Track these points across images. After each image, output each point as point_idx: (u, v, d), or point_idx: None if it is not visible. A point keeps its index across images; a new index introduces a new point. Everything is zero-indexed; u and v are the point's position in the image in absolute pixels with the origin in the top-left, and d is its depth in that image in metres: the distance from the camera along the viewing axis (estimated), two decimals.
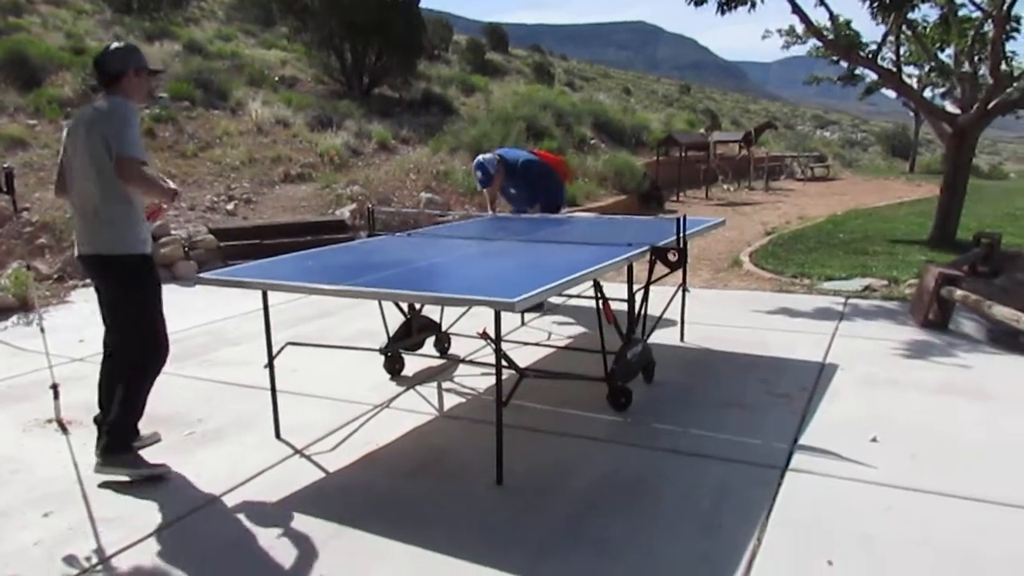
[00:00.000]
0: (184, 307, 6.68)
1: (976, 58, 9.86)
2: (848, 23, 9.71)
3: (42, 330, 4.25)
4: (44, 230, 7.97)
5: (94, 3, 22.26)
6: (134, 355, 3.38)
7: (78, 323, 6.15)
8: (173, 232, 8.32)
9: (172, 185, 3.43)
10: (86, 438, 3.86)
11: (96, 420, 3.54)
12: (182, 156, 11.00)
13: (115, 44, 3.50)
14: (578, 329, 5.89)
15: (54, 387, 4.04)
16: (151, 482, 3.32)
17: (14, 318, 6.22)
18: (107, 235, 3.30)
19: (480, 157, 6.32)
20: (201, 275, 3.90)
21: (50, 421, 4.05)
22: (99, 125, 3.23)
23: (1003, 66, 9.33)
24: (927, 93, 17.25)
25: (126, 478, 3.32)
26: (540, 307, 6.28)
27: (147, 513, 3.07)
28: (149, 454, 3.64)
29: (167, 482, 3.35)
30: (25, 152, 9.86)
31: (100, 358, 5.19)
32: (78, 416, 4.11)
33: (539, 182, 6.29)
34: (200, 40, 17.92)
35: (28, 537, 2.92)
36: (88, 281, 7.42)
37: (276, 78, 16.61)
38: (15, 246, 7.44)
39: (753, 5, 8.19)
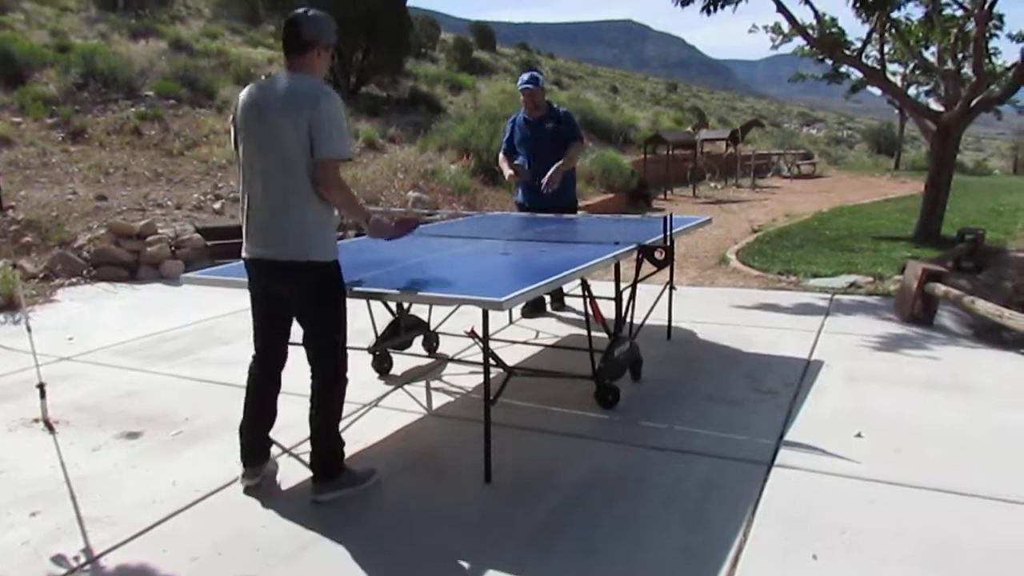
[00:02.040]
0: (171, 306, 6.67)
1: (959, 56, 9.95)
2: (834, 21, 9.78)
3: (29, 329, 4.23)
4: (30, 228, 7.93)
5: (79, 0, 22.11)
6: (338, 367, 3.16)
7: (64, 322, 6.13)
8: (160, 231, 8.28)
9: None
10: (73, 437, 3.86)
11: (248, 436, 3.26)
12: (168, 154, 10.95)
13: (314, 10, 3.09)
14: (566, 327, 5.91)
15: (40, 386, 4.02)
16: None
17: (0, 317, 6.19)
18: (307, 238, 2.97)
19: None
20: (188, 274, 3.89)
21: (37, 420, 4.03)
22: (302, 109, 2.85)
23: (986, 63, 9.42)
24: (911, 91, 17.41)
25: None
26: (542, 308, 6.30)
27: (135, 513, 3.07)
28: (134, 454, 3.65)
29: (155, 481, 3.35)
30: (10, 150, 9.79)
31: (87, 356, 5.20)
32: (65, 415, 4.10)
33: (570, 133, 5.93)
34: (186, 38, 17.84)
35: (15, 537, 2.92)
36: (74, 280, 7.42)
37: (263, 76, 16.54)
38: (0, 245, 7.39)
39: (736, 4, 8.23)
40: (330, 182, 2.89)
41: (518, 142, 6.02)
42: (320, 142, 2.85)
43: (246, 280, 3.26)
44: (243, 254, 3.13)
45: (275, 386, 3.29)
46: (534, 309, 6.22)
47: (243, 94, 3.05)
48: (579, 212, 6.32)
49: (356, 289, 3.31)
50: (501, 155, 6.19)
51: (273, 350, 3.24)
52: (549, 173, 5.70)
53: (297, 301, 3.08)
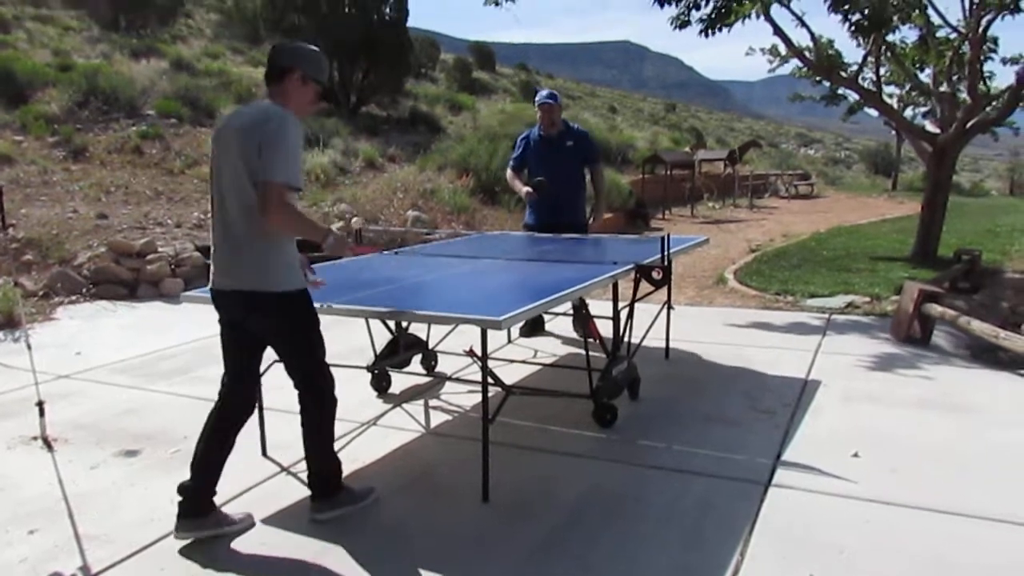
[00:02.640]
0: (171, 324, 6.68)
1: (954, 78, 10.03)
2: (830, 43, 9.87)
3: (29, 347, 4.24)
4: (30, 246, 7.96)
5: (81, 20, 22.29)
6: (323, 390, 3.09)
7: (64, 340, 6.14)
8: (160, 249, 8.31)
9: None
10: (71, 455, 3.86)
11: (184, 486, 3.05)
12: (169, 173, 11.01)
13: (299, 42, 3.10)
14: (564, 347, 5.93)
15: (40, 404, 4.03)
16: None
17: (0, 335, 6.21)
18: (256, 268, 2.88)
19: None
20: (188, 292, 3.90)
21: (35, 438, 4.04)
22: (253, 133, 2.77)
23: (981, 86, 9.50)
24: (908, 112, 17.49)
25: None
26: (540, 327, 6.31)
27: (133, 531, 3.07)
28: (132, 472, 3.65)
29: (153, 499, 3.35)
30: (11, 168, 9.85)
31: (86, 374, 5.21)
32: (64, 433, 4.11)
33: (590, 153, 6.04)
34: (187, 57, 17.97)
35: (13, 554, 2.92)
36: (74, 298, 7.44)
37: (263, 96, 16.65)
38: (1, 262, 7.42)
39: (731, 27, 8.31)
40: (268, 205, 2.72)
41: (533, 160, 6.02)
42: (263, 165, 2.73)
43: None
44: (209, 285, 3.04)
45: (233, 432, 3.11)
46: (532, 328, 6.23)
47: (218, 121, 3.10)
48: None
49: (356, 307, 3.33)
50: (510, 172, 6.18)
51: (238, 387, 3.12)
52: (592, 215, 6.06)
53: (267, 333, 3.03)
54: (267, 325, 2.99)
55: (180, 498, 2.99)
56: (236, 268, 2.90)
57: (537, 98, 6.06)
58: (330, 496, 3.16)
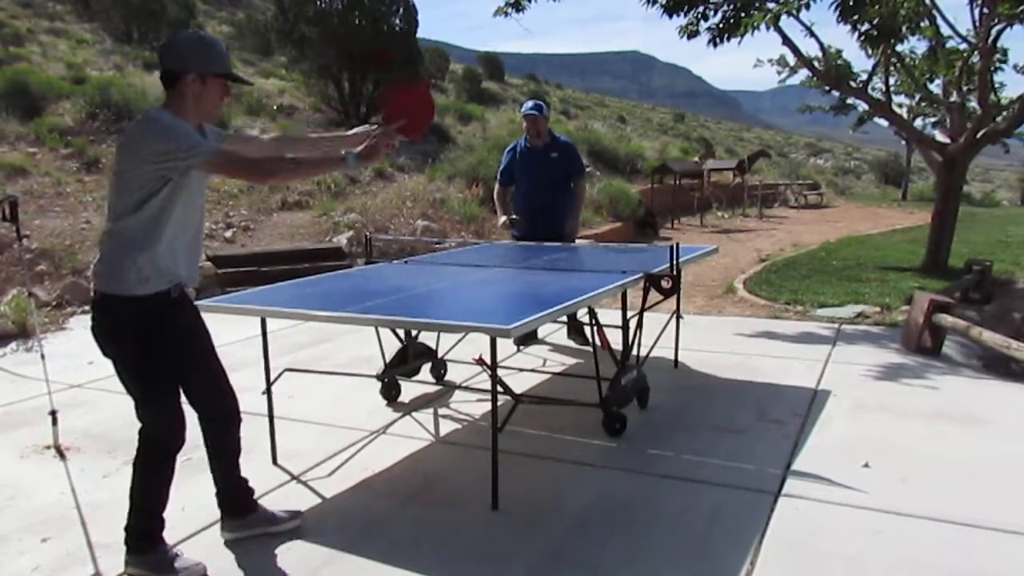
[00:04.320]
0: None
1: (964, 88, 10.01)
2: (839, 53, 9.87)
3: (42, 357, 4.28)
4: (43, 257, 8.03)
5: (94, 33, 22.53)
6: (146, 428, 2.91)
7: (77, 349, 6.17)
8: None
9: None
10: (84, 464, 3.89)
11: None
12: None
13: (184, 34, 2.86)
14: (573, 356, 5.93)
15: (53, 413, 4.07)
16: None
17: (13, 344, 6.25)
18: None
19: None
20: (199, 302, 3.92)
21: (48, 447, 4.07)
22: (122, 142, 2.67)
23: (991, 96, 9.48)
24: (918, 122, 17.47)
25: None
26: (533, 335, 6.31)
27: None
28: None
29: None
30: (26, 180, 9.94)
31: (98, 384, 5.25)
32: (76, 442, 4.14)
33: (573, 166, 6.06)
34: None
35: (27, 563, 2.94)
36: (86, 308, 7.49)
37: (275, 107, 16.78)
38: (15, 273, 7.49)
39: (741, 38, 8.32)
40: (232, 169, 2.69)
41: (519, 169, 6.07)
42: (174, 160, 2.57)
43: (255, 308, 3.26)
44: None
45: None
46: (524, 338, 6.21)
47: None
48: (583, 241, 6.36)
49: (366, 316, 3.35)
50: (497, 189, 6.23)
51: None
52: (568, 225, 5.99)
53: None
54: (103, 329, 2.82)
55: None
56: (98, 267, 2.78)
57: (523, 108, 6.15)
58: (139, 552, 2.81)
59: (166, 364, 2.77)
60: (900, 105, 14.08)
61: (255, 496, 3.18)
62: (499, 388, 3.40)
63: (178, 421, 2.82)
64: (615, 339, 4.34)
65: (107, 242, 2.73)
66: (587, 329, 6.18)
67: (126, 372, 2.77)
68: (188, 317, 2.92)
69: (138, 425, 2.86)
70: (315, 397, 4.87)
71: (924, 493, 3.38)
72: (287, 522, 3.14)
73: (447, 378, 5.23)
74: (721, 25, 8.65)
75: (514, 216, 6.03)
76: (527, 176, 6.02)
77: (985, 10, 8.91)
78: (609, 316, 4.50)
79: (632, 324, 4.32)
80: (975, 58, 9.40)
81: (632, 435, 4.12)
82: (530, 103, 6.12)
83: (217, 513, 3.26)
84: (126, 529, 2.83)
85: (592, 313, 4.15)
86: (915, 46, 11.21)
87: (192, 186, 2.74)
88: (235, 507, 3.10)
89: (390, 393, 4.83)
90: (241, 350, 6.02)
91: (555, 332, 6.50)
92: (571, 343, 6.25)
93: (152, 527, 2.84)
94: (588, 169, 17.52)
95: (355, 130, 2.89)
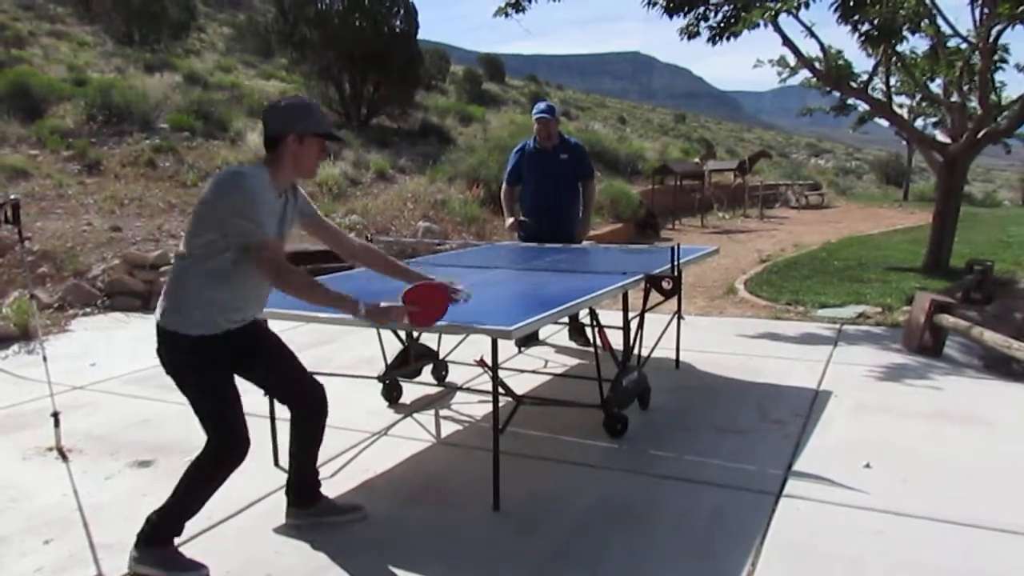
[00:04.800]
0: None
1: (965, 88, 10.00)
2: (840, 53, 9.86)
3: (44, 359, 4.29)
4: (45, 259, 8.04)
5: (95, 35, 22.56)
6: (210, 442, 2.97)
7: (79, 351, 6.19)
8: (173, 261, 8.37)
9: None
10: (86, 466, 3.90)
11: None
12: (182, 186, 11.10)
13: (285, 101, 2.95)
14: (574, 357, 5.93)
15: (55, 415, 4.07)
16: None
17: (15, 347, 6.26)
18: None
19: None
20: None
21: (50, 449, 4.08)
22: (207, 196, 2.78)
23: (991, 96, 9.48)
24: (919, 122, 17.45)
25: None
26: (535, 337, 6.32)
27: None
28: (146, 482, 3.68)
29: None
30: (27, 182, 9.95)
31: (100, 385, 5.25)
32: (78, 444, 4.15)
33: (583, 167, 6.04)
34: (200, 71, 18.15)
35: (29, 564, 2.95)
36: (88, 310, 7.51)
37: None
38: (17, 275, 7.50)
39: (737, 35, 8.33)
40: (262, 269, 2.78)
41: (527, 170, 6.07)
42: (234, 232, 2.72)
43: None
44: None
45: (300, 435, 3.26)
46: (526, 340, 6.21)
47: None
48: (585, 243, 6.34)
49: None
50: (505, 188, 6.24)
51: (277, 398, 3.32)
52: (578, 228, 6.01)
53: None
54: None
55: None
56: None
57: (535, 111, 6.15)
58: (150, 545, 2.84)
59: (227, 385, 2.92)
60: (901, 105, 14.08)
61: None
62: (500, 389, 3.41)
63: (243, 439, 2.90)
64: (616, 340, 4.35)
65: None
66: (588, 330, 6.20)
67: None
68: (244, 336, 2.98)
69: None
70: (336, 396, 4.86)
71: (925, 493, 3.38)
72: (350, 514, 3.26)
73: (448, 379, 5.23)
74: (721, 24, 8.66)
75: (523, 218, 6.03)
76: (535, 177, 6.03)
77: (986, 10, 8.91)
78: (610, 317, 4.50)
79: (633, 325, 4.33)
80: (976, 58, 9.40)
81: (633, 436, 4.13)
82: (542, 105, 6.14)
83: (216, 516, 3.27)
84: (149, 520, 2.86)
85: (593, 314, 4.15)
86: (916, 46, 11.18)
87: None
88: (306, 496, 3.26)
89: (392, 394, 4.84)
90: None
91: (556, 333, 6.50)
92: (572, 344, 6.26)
93: (177, 528, 2.91)
94: None
95: (386, 303, 3.02)
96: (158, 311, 2.85)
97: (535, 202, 6.03)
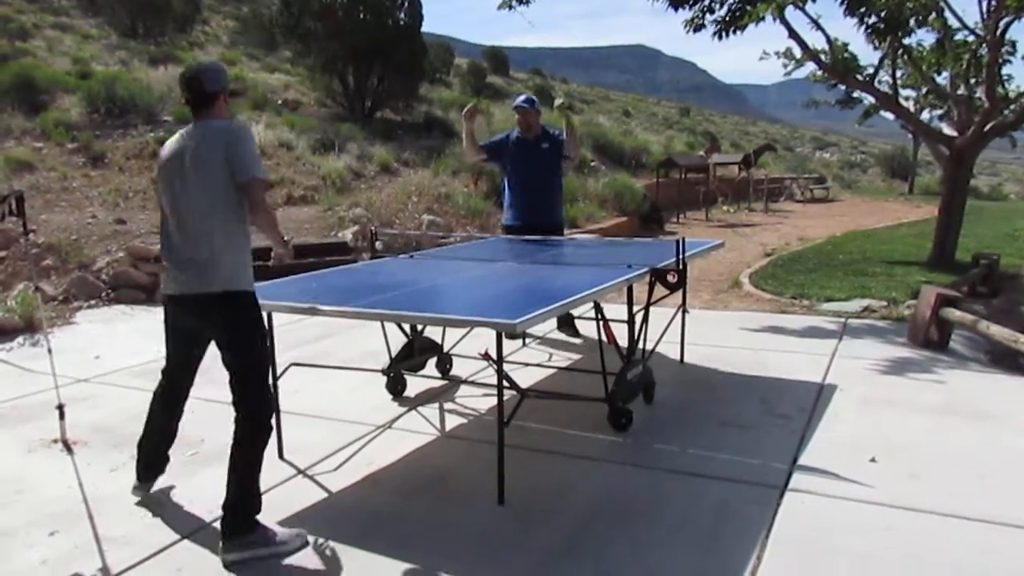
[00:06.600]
0: None
1: (972, 81, 9.95)
2: (846, 46, 9.82)
3: (49, 351, 4.29)
4: (50, 251, 8.05)
5: (100, 28, 22.56)
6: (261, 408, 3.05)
7: (83, 344, 6.20)
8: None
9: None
10: (91, 458, 3.90)
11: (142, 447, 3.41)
12: None
13: (207, 61, 3.26)
14: (579, 350, 5.93)
15: (60, 407, 4.08)
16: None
17: (20, 339, 6.27)
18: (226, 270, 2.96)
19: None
20: None
21: (56, 441, 4.08)
22: (219, 143, 2.91)
23: (998, 89, 9.43)
24: (925, 115, 17.36)
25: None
26: (572, 326, 6.32)
27: (153, 532, 3.10)
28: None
29: (171, 501, 3.38)
30: (32, 175, 9.97)
31: (104, 378, 5.26)
32: (83, 436, 4.15)
33: (562, 153, 6.02)
34: None
35: (35, 556, 2.95)
36: (93, 302, 7.52)
37: (279, 101, 16.78)
38: (21, 267, 7.51)
39: (743, 29, 8.30)
40: (257, 203, 2.95)
41: (511, 160, 6.12)
42: (243, 167, 2.89)
43: (261, 302, 3.29)
44: (164, 291, 3.13)
45: (179, 408, 3.46)
46: (567, 323, 6.28)
47: (164, 148, 3.11)
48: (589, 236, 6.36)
49: (371, 310, 3.34)
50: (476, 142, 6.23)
51: (184, 374, 3.40)
52: (568, 140, 5.97)
53: (219, 331, 3.04)
54: (222, 323, 3.02)
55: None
56: (203, 272, 2.98)
57: (515, 101, 6.25)
58: (240, 535, 2.90)
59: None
60: (907, 98, 13.96)
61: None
62: (505, 383, 3.40)
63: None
64: (621, 334, 4.34)
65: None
66: (577, 322, 6.22)
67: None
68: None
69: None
70: (321, 392, 4.88)
71: (931, 488, 3.37)
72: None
73: (453, 373, 5.23)
74: (727, 18, 8.62)
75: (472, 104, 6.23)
76: (521, 166, 6.08)
77: (993, 2, 8.86)
78: (615, 311, 4.49)
79: (638, 319, 4.32)
80: (983, 51, 9.35)
81: (638, 430, 4.12)
82: (522, 96, 6.27)
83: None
84: (227, 515, 2.91)
85: (598, 308, 4.14)
86: (922, 39, 11.12)
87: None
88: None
89: (396, 388, 4.84)
90: None
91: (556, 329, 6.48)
92: (576, 340, 6.25)
93: (256, 506, 2.98)
94: (593, 163, 17.51)
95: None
96: (199, 281, 2.95)
97: (523, 190, 6.06)
